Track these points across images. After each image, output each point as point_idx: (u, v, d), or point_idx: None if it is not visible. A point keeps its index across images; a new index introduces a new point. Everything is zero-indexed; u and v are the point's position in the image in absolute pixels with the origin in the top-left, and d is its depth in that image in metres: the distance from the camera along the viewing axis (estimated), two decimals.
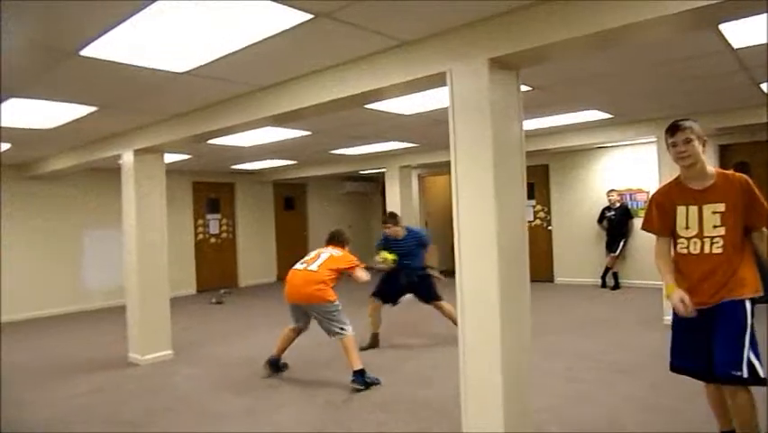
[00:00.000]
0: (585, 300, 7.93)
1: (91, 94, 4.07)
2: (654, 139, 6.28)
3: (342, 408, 4.00)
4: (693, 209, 2.63)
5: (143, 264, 5.53)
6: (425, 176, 11.75)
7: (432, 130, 6.26)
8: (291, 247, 12.11)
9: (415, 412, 3.83)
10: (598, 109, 5.60)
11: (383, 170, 9.23)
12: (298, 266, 4.77)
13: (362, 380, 4.32)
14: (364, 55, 3.30)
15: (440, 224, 11.76)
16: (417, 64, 3.04)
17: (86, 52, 3.05)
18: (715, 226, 2.57)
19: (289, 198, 12.26)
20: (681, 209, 2.67)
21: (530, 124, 6.19)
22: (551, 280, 9.71)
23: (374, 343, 5.73)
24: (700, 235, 2.62)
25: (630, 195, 8.88)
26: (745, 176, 2.62)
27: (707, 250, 2.60)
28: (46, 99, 4.13)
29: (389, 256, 5.55)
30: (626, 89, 4.71)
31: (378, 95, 3.54)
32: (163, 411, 4.08)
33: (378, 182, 13.10)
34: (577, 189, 9.51)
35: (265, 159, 8.88)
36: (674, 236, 2.73)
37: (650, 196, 2.93)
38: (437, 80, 3.03)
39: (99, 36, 2.82)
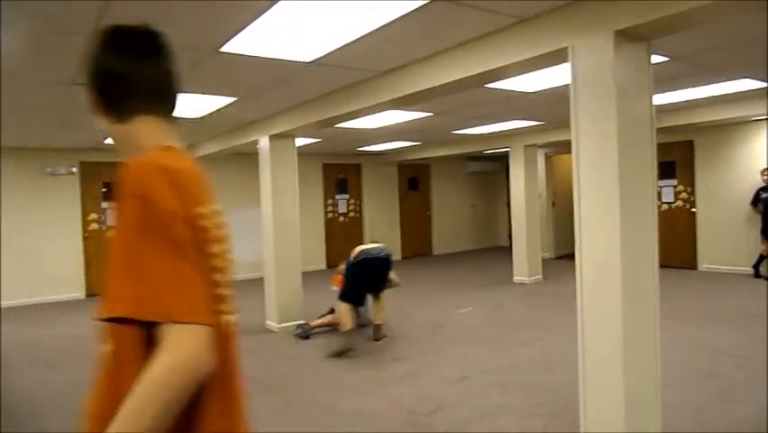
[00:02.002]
0: (732, 291, 7.18)
1: (231, 86, 4.47)
2: None
3: (460, 386, 4.08)
4: None
5: (279, 240, 6.01)
6: (552, 155, 11.28)
7: (558, 106, 6.00)
8: (415, 227, 12.35)
9: (533, 396, 3.80)
10: (751, 77, 4.99)
11: (508, 149, 9.01)
12: None
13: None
14: (483, 34, 3.26)
15: (568, 204, 11.26)
16: (537, 41, 2.95)
17: (225, 48, 3.36)
18: None
19: (413, 179, 12.45)
20: None
21: (669, 97, 5.68)
22: (693, 266, 8.89)
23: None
24: None
25: None
26: None
27: None
28: (194, 93, 4.61)
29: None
30: None
31: (498, 74, 3.48)
32: (296, 376, 4.45)
33: (502, 162, 12.82)
34: (726, 168, 8.56)
35: (390, 141, 9.09)
36: None
37: None
38: (558, 57, 2.91)
39: (237, 33, 3.10)
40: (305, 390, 4.13)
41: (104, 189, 8.82)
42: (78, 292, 8.52)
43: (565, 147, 10.34)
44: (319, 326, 5.74)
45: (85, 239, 8.62)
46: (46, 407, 3.95)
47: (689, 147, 8.96)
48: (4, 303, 7.87)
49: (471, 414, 3.53)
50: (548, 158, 11.25)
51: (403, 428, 3.36)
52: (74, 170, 8.48)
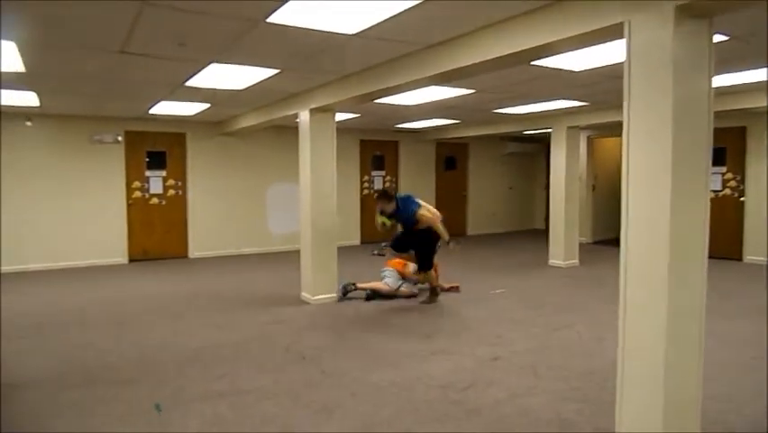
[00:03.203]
0: None
1: (274, 57, 4.47)
2: None
3: (492, 365, 4.07)
4: None
5: (316, 214, 6.07)
6: (594, 137, 11.00)
7: (604, 87, 5.82)
8: (450, 206, 12.24)
9: (567, 380, 3.77)
10: None
11: (548, 130, 8.82)
12: None
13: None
14: (533, 9, 3.17)
15: (607, 189, 11.00)
16: (591, 16, 2.84)
17: (272, 19, 3.36)
18: None
19: (450, 158, 12.33)
20: None
21: (723, 80, 5.44)
22: (738, 258, 8.61)
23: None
24: None
25: None
26: None
27: None
28: (238, 64, 4.64)
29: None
30: None
31: (547, 50, 3.38)
32: (330, 347, 4.53)
33: (542, 143, 12.57)
34: None
35: (428, 118, 9.01)
36: None
37: None
38: (613, 33, 2.81)
39: (284, 3, 3.09)
40: (339, 360, 4.20)
41: (147, 159, 9.04)
42: (122, 258, 8.82)
43: (609, 130, 10.08)
44: (363, 288, 6.16)
45: (129, 206, 8.88)
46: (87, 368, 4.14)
47: (740, 133, 8.59)
48: (51, 265, 8.22)
49: (503, 394, 3.53)
50: (590, 141, 10.97)
51: (435, 403, 3.38)
52: (119, 138, 8.70)
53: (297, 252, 6.51)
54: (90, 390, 3.64)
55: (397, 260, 6.41)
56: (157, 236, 9.13)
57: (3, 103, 6.65)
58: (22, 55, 4.22)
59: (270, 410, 3.31)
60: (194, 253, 9.40)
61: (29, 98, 6.40)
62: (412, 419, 3.16)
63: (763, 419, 3.12)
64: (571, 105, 7.43)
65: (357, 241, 10.94)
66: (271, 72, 4.99)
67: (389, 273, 6.31)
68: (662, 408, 2.56)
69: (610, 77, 5.16)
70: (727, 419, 3.14)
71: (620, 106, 2.72)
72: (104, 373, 3.94)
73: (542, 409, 3.30)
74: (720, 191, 8.83)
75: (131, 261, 8.87)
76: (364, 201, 11.17)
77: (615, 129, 9.35)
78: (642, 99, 2.60)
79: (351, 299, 6.14)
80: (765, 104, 6.32)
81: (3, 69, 4.65)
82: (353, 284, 6.21)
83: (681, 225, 2.55)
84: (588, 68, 4.85)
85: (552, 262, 8.51)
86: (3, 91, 5.84)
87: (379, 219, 6.01)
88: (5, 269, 7.84)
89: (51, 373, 3.96)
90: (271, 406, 3.37)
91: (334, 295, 6.12)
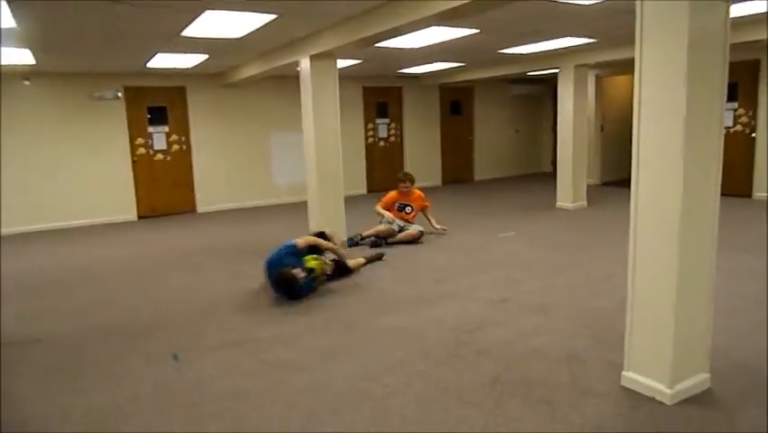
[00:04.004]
0: None
1: (270, 1, 4.32)
2: None
3: (501, 307, 4.12)
4: None
5: (321, 164, 6.03)
6: (604, 76, 10.73)
7: (615, 21, 5.62)
8: (456, 152, 12.17)
9: (576, 318, 3.81)
10: None
11: (555, 70, 8.59)
12: None
13: None
14: None
15: (617, 129, 10.83)
16: None
17: None
18: None
19: (455, 102, 12.12)
20: None
21: (737, 10, 5.23)
22: (747, 194, 8.53)
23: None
24: None
25: None
26: None
27: None
28: (235, 9, 4.50)
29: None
30: None
31: None
32: (337, 295, 4.59)
33: (549, 84, 12.30)
34: None
35: (432, 62, 8.79)
36: None
37: None
38: None
39: None
40: (348, 307, 4.26)
41: (149, 115, 8.94)
42: (131, 215, 8.88)
43: (619, 67, 9.82)
44: (368, 235, 6.32)
45: (134, 163, 8.86)
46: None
47: (754, 67, 8.35)
48: (59, 224, 8.29)
49: (512, 334, 3.59)
50: (598, 79, 10.71)
51: (446, 345, 3.44)
52: (119, 94, 8.58)
53: (304, 203, 6.51)
54: (109, 343, 3.73)
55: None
56: (164, 192, 9.15)
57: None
58: (12, 10, 4.11)
59: (283, 355, 3.39)
60: (201, 207, 9.44)
61: (24, 56, 6.28)
62: (423, 361, 3.23)
63: (763, 351, 3.16)
64: (579, 43, 7.21)
65: (363, 190, 10.92)
66: (269, 18, 4.83)
67: (388, 217, 6.46)
68: (671, 344, 2.59)
69: (620, 11, 4.97)
70: (731, 351, 3.18)
71: (632, 42, 2.62)
72: (121, 328, 4.03)
73: (551, 346, 3.36)
74: (731, 127, 8.67)
75: (140, 217, 8.93)
76: (369, 150, 11.08)
77: (625, 66, 9.11)
78: (655, 32, 2.50)
79: (359, 244, 6.21)
80: None
81: None
82: (359, 234, 6.31)
83: (694, 164, 2.50)
84: (597, 1, 4.66)
85: (559, 204, 8.48)
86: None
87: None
88: (15, 230, 7.93)
89: (70, 329, 4.06)
90: (285, 352, 3.45)
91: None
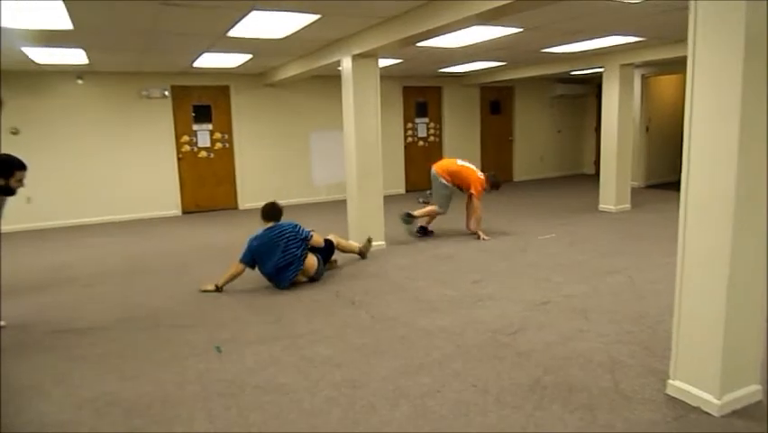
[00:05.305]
0: None
1: (314, 1, 4.38)
2: None
3: (541, 310, 4.07)
4: None
5: (361, 163, 6.06)
6: (649, 76, 10.43)
7: (662, 19, 5.45)
8: (496, 152, 12.04)
9: (619, 324, 3.73)
10: None
11: (600, 69, 8.39)
12: None
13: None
14: None
15: (662, 130, 10.52)
16: None
17: None
18: None
19: (496, 102, 11.99)
20: None
21: None
22: None
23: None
24: None
25: None
26: None
27: None
28: (277, 11, 4.57)
29: None
30: None
31: None
32: (378, 293, 4.61)
33: (592, 84, 12.04)
34: None
35: (473, 61, 8.72)
36: None
37: None
38: None
39: None
40: (388, 306, 4.28)
41: (193, 113, 9.18)
42: (176, 210, 9.14)
43: (666, 67, 9.53)
44: (421, 215, 6.68)
45: (179, 160, 9.11)
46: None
47: None
48: (111, 218, 8.61)
49: (553, 337, 3.54)
50: (644, 79, 10.41)
51: (485, 346, 3.42)
52: (166, 93, 8.84)
53: (344, 201, 6.56)
54: (155, 332, 3.86)
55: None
56: (207, 189, 9.38)
57: (55, 62, 6.84)
58: (69, 12, 4.29)
59: (323, 352, 3.43)
60: (243, 203, 9.64)
61: (78, 56, 6.55)
62: (462, 361, 3.22)
63: None
64: (625, 42, 7.02)
65: (402, 189, 10.93)
66: (312, 18, 4.90)
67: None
68: (720, 353, 2.51)
69: (669, 9, 4.82)
70: None
71: (680, 41, 2.58)
72: (166, 318, 4.16)
73: (593, 351, 3.29)
74: None
75: (184, 213, 9.18)
76: (408, 149, 11.08)
77: (673, 65, 8.83)
78: (710, 32, 2.42)
79: (402, 244, 6.22)
80: None
81: (52, 28, 4.75)
82: (409, 214, 6.62)
83: (749, 169, 2.41)
84: None
85: (602, 207, 8.29)
86: (54, 50, 6.00)
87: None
88: (66, 222, 8.28)
89: (119, 316, 4.21)
90: (323, 348, 3.49)
91: (382, 243, 6.19)
